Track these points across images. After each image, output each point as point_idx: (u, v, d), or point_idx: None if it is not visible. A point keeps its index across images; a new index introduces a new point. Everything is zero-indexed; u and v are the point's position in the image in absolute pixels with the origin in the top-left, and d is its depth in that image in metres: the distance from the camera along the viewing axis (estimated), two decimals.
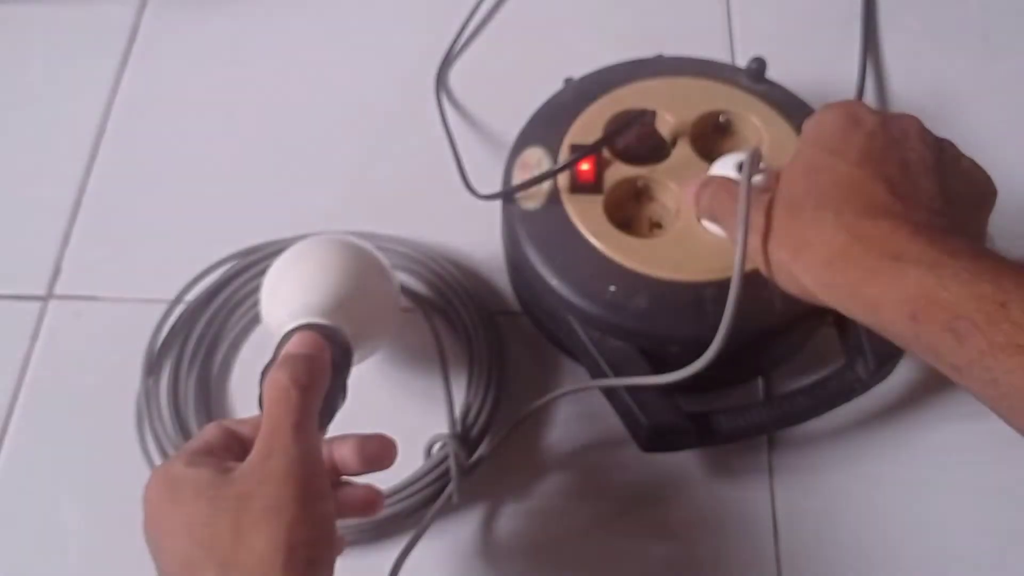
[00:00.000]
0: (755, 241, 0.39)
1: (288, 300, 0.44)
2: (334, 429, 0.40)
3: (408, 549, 0.46)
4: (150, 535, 0.35)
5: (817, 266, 0.36)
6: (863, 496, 0.49)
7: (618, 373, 0.46)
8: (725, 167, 0.45)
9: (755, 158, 0.42)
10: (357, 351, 0.44)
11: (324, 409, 0.38)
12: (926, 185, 0.37)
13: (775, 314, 0.45)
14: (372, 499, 0.39)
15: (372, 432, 0.39)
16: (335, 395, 0.40)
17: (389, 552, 0.46)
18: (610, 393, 0.47)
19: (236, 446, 0.37)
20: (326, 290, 0.44)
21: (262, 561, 0.31)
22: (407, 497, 0.47)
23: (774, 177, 0.41)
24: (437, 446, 0.48)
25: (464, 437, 0.49)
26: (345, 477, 0.39)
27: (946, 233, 0.34)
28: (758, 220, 0.39)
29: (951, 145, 0.40)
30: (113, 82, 0.65)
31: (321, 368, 0.37)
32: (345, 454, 0.38)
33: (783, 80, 0.53)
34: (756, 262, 0.40)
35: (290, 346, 0.38)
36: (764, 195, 0.40)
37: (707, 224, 0.46)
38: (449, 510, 0.48)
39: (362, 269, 0.46)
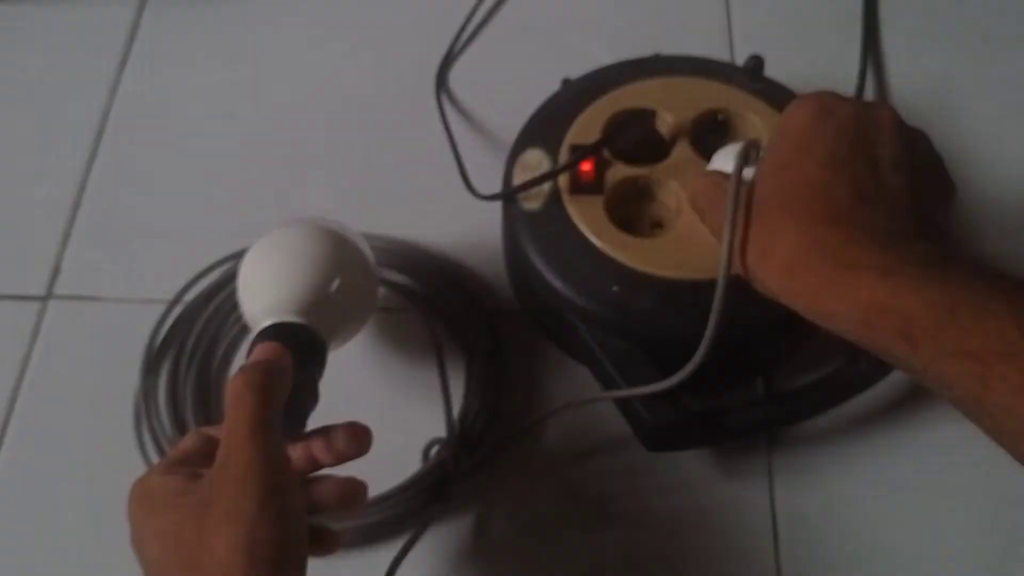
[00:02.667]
0: (737, 244, 0.39)
1: (259, 295, 0.43)
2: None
3: (404, 552, 0.46)
4: (134, 545, 0.36)
5: (779, 271, 0.37)
6: (862, 495, 0.49)
7: (622, 373, 0.46)
8: (725, 158, 0.45)
9: (749, 151, 0.41)
10: (334, 340, 0.43)
11: (294, 409, 0.38)
12: (893, 183, 0.37)
13: (776, 312, 0.45)
14: (351, 492, 0.38)
15: (346, 422, 0.39)
16: (304, 394, 0.39)
17: (386, 555, 0.46)
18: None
19: (214, 452, 0.37)
20: (296, 283, 0.43)
21: (223, 564, 0.32)
22: (404, 500, 0.47)
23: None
24: (435, 449, 0.48)
25: (462, 440, 0.49)
26: (325, 471, 0.39)
27: (904, 238, 0.35)
28: (740, 219, 0.39)
29: (924, 136, 0.40)
30: (113, 82, 0.65)
31: (278, 370, 0.37)
32: (319, 448, 0.38)
33: (783, 79, 0.53)
34: (737, 266, 0.40)
35: (252, 356, 0.38)
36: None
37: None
38: (447, 513, 0.48)
39: (335, 257, 0.45)
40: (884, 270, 0.33)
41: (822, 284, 0.35)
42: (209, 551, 0.32)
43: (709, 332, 0.40)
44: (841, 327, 0.35)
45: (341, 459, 0.39)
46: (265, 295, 0.43)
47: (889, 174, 0.37)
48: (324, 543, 0.39)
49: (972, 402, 0.31)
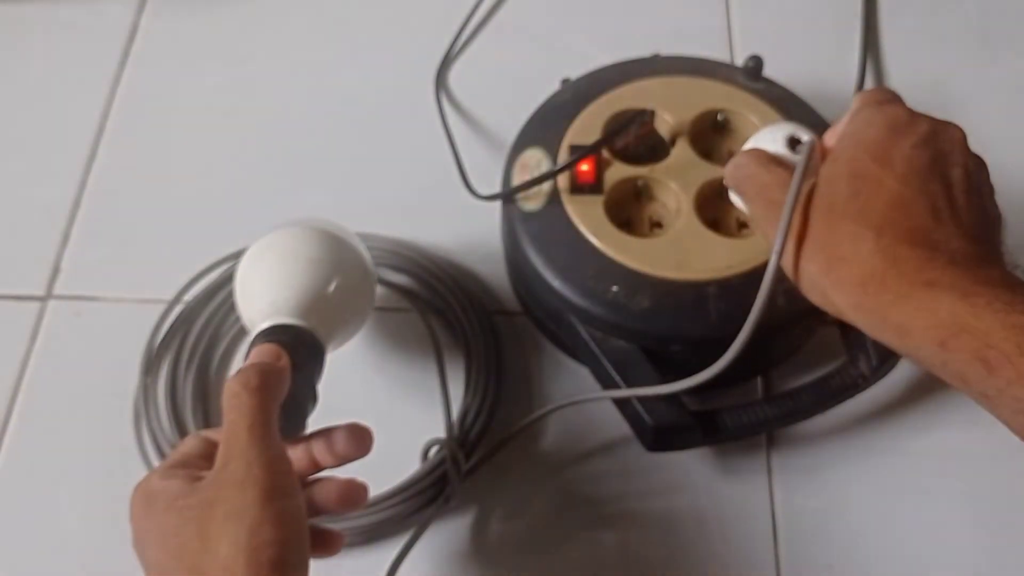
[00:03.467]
0: (790, 245, 0.38)
1: (256, 298, 0.43)
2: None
3: (404, 552, 0.46)
4: (136, 548, 0.36)
5: (850, 285, 0.35)
6: (862, 495, 0.49)
7: (621, 373, 0.46)
8: (773, 138, 0.41)
9: (812, 152, 0.39)
10: (333, 340, 0.43)
11: (293, 410, 0.38)
12: (966, 205, 0.36)
13: (778, 312, 0.45)
14: (351, 493, 0.38)
15: (347, 423, 0.39)
16: (303, 395, 0.39)
17: (385, 555, 0.46)
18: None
19: (215, 454, 0.37)
20: (293, 286, 0.43)
21: (226, 566, 0.32)
22: (404, 501, 0.47)
23: (817, 157, 0.39)
24: (434, 449, 0.48)
25: (462, 440, 0.49)
26: (326, 472, 0.39)
27: (981, 262, 0.34)
28: (794, 221, 0.37)
29: (984, 165, 0.39)
30: (113, 82, 0.65)
31: (275, 371, 0.37)
32: (320, 449, 0.38)
33: (784, 79, 0.53)
34: (785, 266, 0.38)
35: (249, 358, 0.38)
36: (805, 184, 0.38)
37: (733, 198, 0.44)
38: (446, 513, 0.48)
39: (332, 258, 0.45)
40: (964, 291, 0.32)
41: (896, 301, 0.34)
42: (211, 553, 0.32)
43: (750, 322, 0.39)
44: (911, 344, 0.34)
45: (342, 460, 0.39)
46: (262, 297, 0.43)
47: (962, 196, 0.36)
48: (326, 544, 0.39)
49: None
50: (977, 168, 0.38)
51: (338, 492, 0.38)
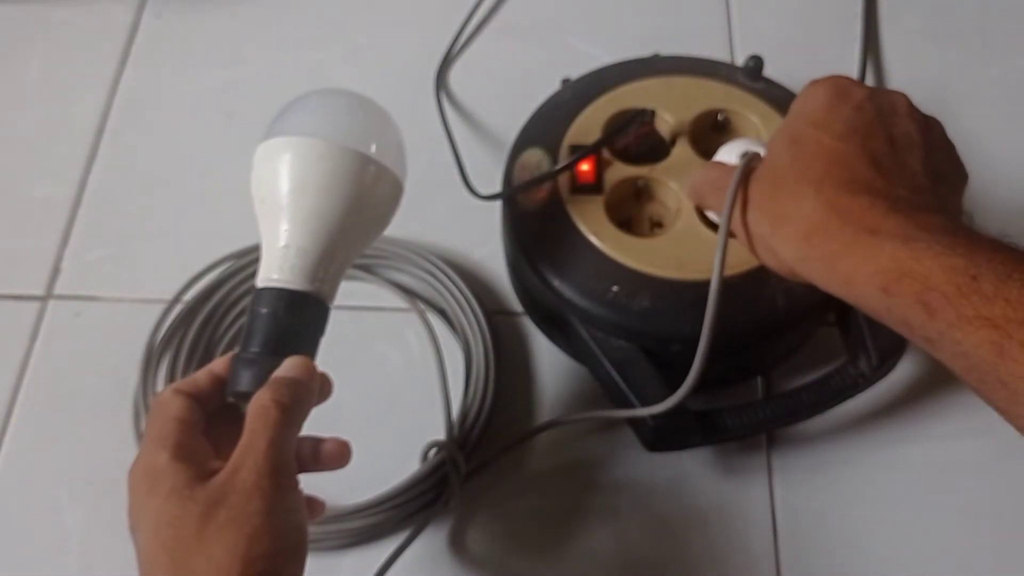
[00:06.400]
0: (736, 215, 0.39)
1: (272, 234, 0.40)
2: (326, 428, 0.40)
3: (398, 553, 0.46)
4: (130, 520, 0.35)
5: (795, 240, 0.36)
6: (862, 495, 0.49)
7: (621, 373, 0.46)
8: (729, 152, 0.44)
9: (751, 154, 0.41)
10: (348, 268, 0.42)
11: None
12: (911, 161, 0.37)
13: (778, 311, 0.45)
14: (335, 449, 0.39)
15: (333, 437, 0.40)
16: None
17: (385, 556, 0.46)
18: (615, 395, 0.47)
19: (216, 393, 0.38)
20: (313, 239, 0.39)
21: (217, 570, 0.32)
22: (403, 503, 0.47)
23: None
24: (433, 450, 0.48)
25: (462, 441, 0.49)
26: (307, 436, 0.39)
27: (924, 210, 0.35)
28: (740, 194, 0.39)
29: (937, 123, 0.40)
30: (113, 82, 0.65)
31: (307, 393, 0.37)
32: (305, 452, 0.39)
33: (784, 79, 0.53)
34: (738, 235, 0.40)
35: (281, 370, 0.38)
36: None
37: (709, 214, 0.46)
38: (446, 514, 0.48)
39: (380, 212, 0.42)
40: (906, 236, 0.33)
41: (841, 249, 0.34)
42: (204, 555, 0.32)
43: (707, 322, 0.40)
44: (857, 292, 0.34)
45: (322, 468, 0.39)
46: (280, 239, 0.39)
47: (906, 152, 0.37)
48: (309, 511, 0.40)
49: (987, 371, 0.30)
50: (926, 127, 0.39)
51: (324, 449, 0.39)
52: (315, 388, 0.38)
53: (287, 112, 0.42)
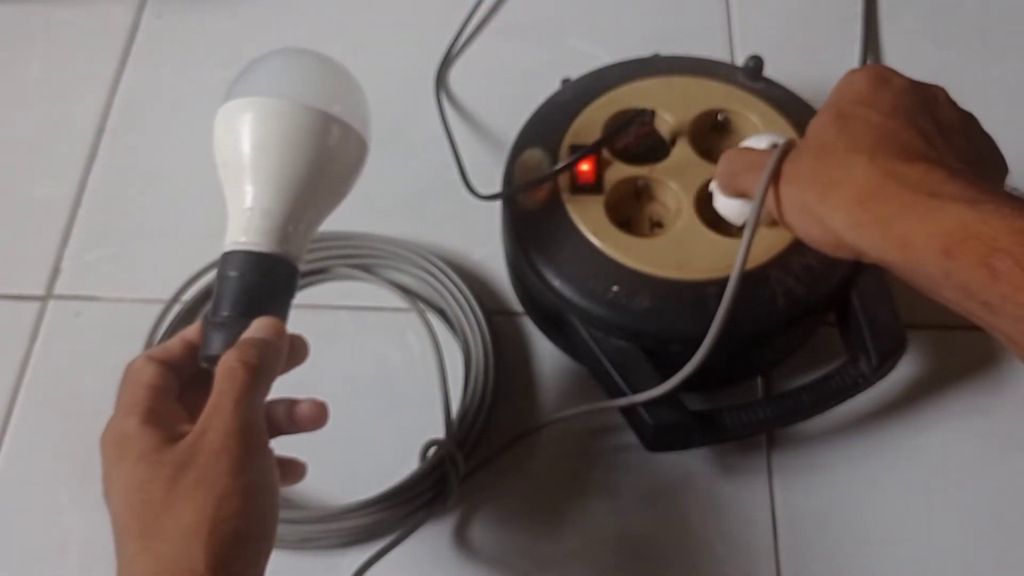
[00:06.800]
0: (770, 193, 0.38)
1: (237, 197, 0.39)
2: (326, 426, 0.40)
3: (389, 547, 0.46)
4: (103, 487, 0.35)
5: (847, 204, 0.35)
6: (862, 495, 0.49)
7: (621, 373, 0.46)
8: (757, 144, 0.43)
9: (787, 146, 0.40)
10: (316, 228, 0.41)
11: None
12: (959, 142, 0.36)
13: (778, 311, 0.45)
14: (312, 410, 0.39)
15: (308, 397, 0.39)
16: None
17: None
18: (614, 394, 0.47)
19: (191, 360, 0.38)
20: (278, 200, 0.39)
21: (186, 532, 0.32)
22: (403, 501, 0.47)
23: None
24: (433, 450, 0.48)
25: (461, 441, 0.49)
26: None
27: (981, 179, 0.34)
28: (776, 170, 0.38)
29: (975, 117, 0.40)
30: (113, 82, 0.65)
31: (275, 351, 0.37)
32: (280, 414, 0.39)
33: (784, 79, 0.53)
34: (773, 210, 0.39)
35: (248, 331, 0.38)
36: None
37: (718, 205, 0.45)
38: (445, 512, 0.48)
39: (345, 169, 0.42)
40: (970, 199, 0.32)
41: (898, 212, 0.33)
42: (173, 517, 0.32)
43: (723, 308, 0.40)
44: (914, 257, 0.33)
45: (299, 429, 0.39)
46: (244, 201, 0.39)
47: (951, 133, 0.37)
48: (288, 473, 0.40)
49: None
50: (967, 117, 0.38)
51: (299, 411, 0.39)
52: (284, 348, 0.38)
53: (246, 74, 0.42)
